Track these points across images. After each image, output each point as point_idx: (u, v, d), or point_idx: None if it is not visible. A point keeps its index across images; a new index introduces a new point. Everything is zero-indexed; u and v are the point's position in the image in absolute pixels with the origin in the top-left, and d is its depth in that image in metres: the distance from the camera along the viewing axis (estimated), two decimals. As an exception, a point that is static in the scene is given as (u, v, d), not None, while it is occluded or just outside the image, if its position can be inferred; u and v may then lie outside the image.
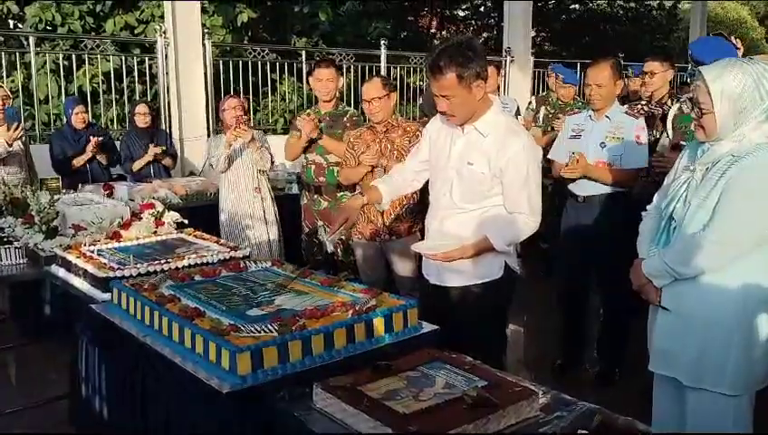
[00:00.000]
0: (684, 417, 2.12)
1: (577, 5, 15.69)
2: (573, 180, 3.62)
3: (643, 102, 4.29)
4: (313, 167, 4.27)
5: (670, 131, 3.41)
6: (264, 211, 4.72)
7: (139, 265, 2.64)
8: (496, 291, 2.55)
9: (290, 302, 2.16)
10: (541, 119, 5.97)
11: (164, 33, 6.55)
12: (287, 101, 8.47)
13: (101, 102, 7.04)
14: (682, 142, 3.17)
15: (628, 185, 3.53)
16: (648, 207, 2.32)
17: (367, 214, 3.73)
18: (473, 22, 15.54)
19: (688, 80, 3.63)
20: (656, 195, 2.29)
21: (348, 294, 2.20)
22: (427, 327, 2.14)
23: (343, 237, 4.14)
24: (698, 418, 2.07)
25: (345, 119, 4.24)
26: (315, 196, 4.30)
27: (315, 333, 1.86)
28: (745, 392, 2.06)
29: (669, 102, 4.09)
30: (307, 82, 5.50)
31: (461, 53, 2.31)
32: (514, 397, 1.58)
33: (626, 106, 3.85)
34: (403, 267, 3.80)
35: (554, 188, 4.92)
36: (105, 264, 2.67)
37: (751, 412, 2.11)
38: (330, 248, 2.59)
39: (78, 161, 5.16)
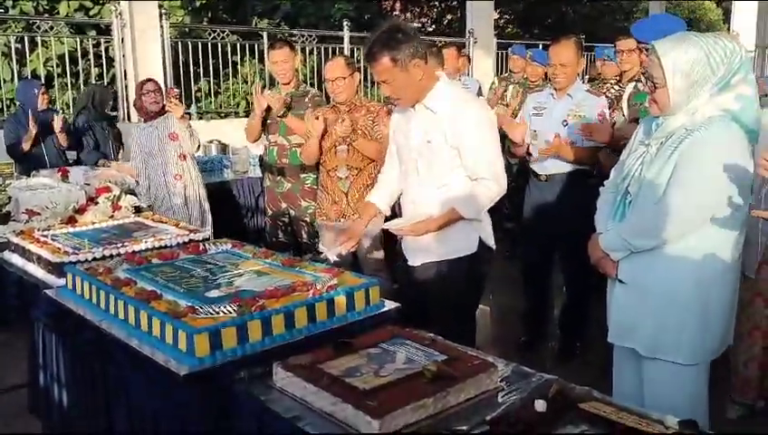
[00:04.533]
0: (642, 387, 2.16)
1: (539, -13, 15.75)
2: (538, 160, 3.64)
3: (612, 82, 4.29)
4: (276, 148, 4.22)
5: (625, 109, 3.45)
6: (185, 198, 4.64)
7: (94, 250, 2.58)
8: (471, 266, 2.59)
9: (250, 283, 2.14)
10: (509, 97, 6.00)
11: (119, 14, 6.38)
12: (249, 83, 8.34)
13: (56, 86, 6.84)
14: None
15: (590, 162, 3.56)
16: (605, 182, 2.34)
17: (331, 195, 3.71)
18: (436, 4, 15.47)
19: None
20: (612, 170, 2.31)
21: (309, 274, 2.19)
22: (390, 305, 2.14)
23: (308, 219, 4.12)
24: (655, 387, 2.11)
25: (307, 99, 4.18)
26: (278, 178, 4.25)
27: (275, 312, 1.84)
28: (701, 362, 2.10)
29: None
30: (271, 63, 5.44)
31: (391, 36, 2.38)
32: (474, 370, 1.59)
33: (588, 85, 3.88)
34: (369, 248, 3.79)
35: (518, 168, 4.95)
36: (59, 248, 2.61)
37: (706, 381, 2.16)
38: (332, 259, 2.63)
39: (27, 144, 4.97)
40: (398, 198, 2.82)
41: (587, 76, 7.03)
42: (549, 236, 3.72)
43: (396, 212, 2.94)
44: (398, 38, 2.38)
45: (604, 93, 3.81)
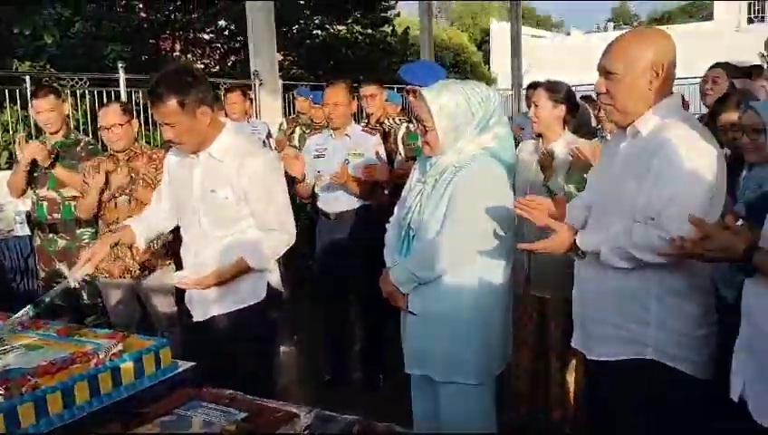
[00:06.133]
0: (439, 411, 2.28)
1: (319, 31, 16.34)
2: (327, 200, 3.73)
3: (363, 123, 4.53)
4: (45, 203, 3.83)
5: (401, 148, 3.69)
6: None
7: None
8: (260, 313, 2.52)
9: (19, 359, 1.89)
10: (296, 139, 6.08)
11: None
12: (11, 132, 7.53)
13: None
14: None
15: (373, 198, 3.73)
16: (390, 218, 2.47)
17: (113, 250, 3.44)
18: (219, 45, 15.33)
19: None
20: (396, 206, 2.45)
21: (90, 342, 1.99)
22: (184, 365, 2.02)
23: (88, 278, 3.78)
24: (450, 409, 2.24)
25: (79, 148, 3.87)
26: (50, 235, 3.86)
27: (51, 391, 1.64)
28: (487, 381, 2.28)
29: (387, 122, 4.37)
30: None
31: (180, 78, 2.29)
32: (276, 423, 1.56)
33: (361, 124, 4.09)
34: (159, 303, 3.58)
35: (309, 208, 5.02)
36: None
37: (493, 397, 2.34)
38: (72, 284, 2.36)
39: None
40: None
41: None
42: (342, 273, 3.81)
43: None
44: (187, 81, 2.28)
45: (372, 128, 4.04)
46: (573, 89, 3.24)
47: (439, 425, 2.22)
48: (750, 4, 23.34)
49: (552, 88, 3.11)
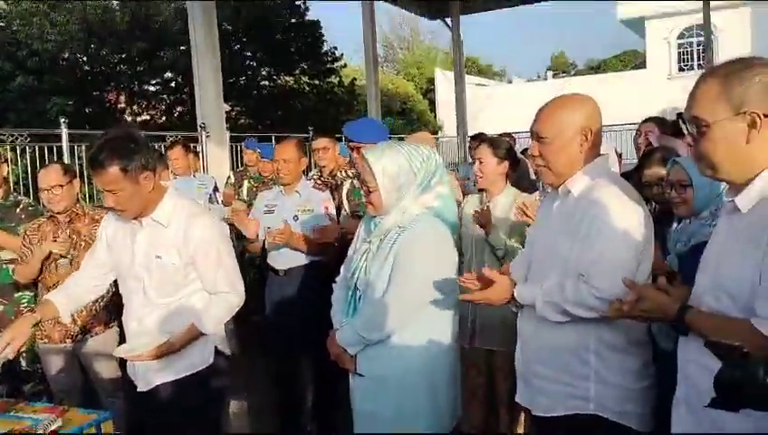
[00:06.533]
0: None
1: (267, 81, 16.48)
2: (272, 253, 3.72)
3: (316, 176, 4.58)
4: (-19, 267, 3.71)
5: (346, 204, 3.74)
6: None
7: None
8: (208, 378, 2.47)
9: (-50, 441, 1.82)
10: (245, 192, 6.06)
11: None
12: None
13: None
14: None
15: (323, 253, 3.73)
16: (336, 278, 2.48)
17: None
18: (165, 97, 15.27)
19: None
20: (342, 266, 2.47)
21: (27, 418, 1.93)
22: (127, 437, 1.98)
23: (25, 345, 3.64)
24: (402, 470, 2.23)
25: (18, 210, 3.77)
26: (-13, 300, 3.73)
27: (-16, 474, 1.59)
28: (439, 437, 2.28)
29: (340, 174, 4.43)
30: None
31: (122, 145, 2.26)
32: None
33: (311, 181, 4.12)
34: (102, 369, 3.47)
35: (258, 263, 4.98)
36: None
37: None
38: None
39: None
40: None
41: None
42: (293, 330, 3.77)
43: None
44: (130, 147, 2.26)
45: (322, 184, 4.08)
46: (517, 136, 3.38)
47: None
48: (679, 53, 24.71)
49: (496, 144, 3.23)
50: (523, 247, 2.63)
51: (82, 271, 2.61)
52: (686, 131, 1.59)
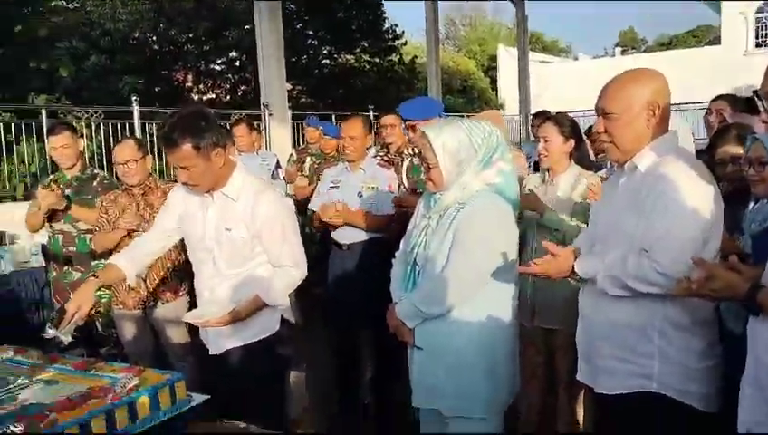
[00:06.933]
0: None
1: (328, 60, 16.58)
2: (335, 228, 3.79)
3: (382, 153, 4.61)
4: (61, 237, 3.92)
5: (405, 181, 3.75)
6: None
7: None
8: (274, 346, 2.58)
9: (38, 395, 1.95)
10: (306, 169, 6.16)
11: None
12: (27, 163, 7.67)
13: None
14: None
15: (383, 230, 3.78)
16: (396, 253, 2.52)
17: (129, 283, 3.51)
18: (229, 76, 15.56)
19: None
20: (402, 241, 2.50)
21: (107, 377, 2.05)
22: (198, 398, 2.07)
23: (102, 309, 3.84)
24: (459, 443, 2.26)
25: (95, 183, 3.97)
26: (65, 267, 3.94)
27: (69, 425, 1.70)
28: (496, 414, 2.31)
29: (407, 151, 4.46)
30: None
31: (194, 123, 2.34)
32: (287, 457, 1.60)
33: (378, 158, 4.15)
34: (173, 335, 3.63)
35: (322, 235, 5.08)
36: None
37: (501, 429, 2.36)
38: (67, 340, 2.37)
39: None
40: None
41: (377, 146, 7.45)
42: (354, 303, 3.84)
43: None
44: (201, 125, 2.34)
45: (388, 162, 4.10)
46: (582, 114, 3.31)
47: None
48: (757, 29, 23.47)
49: (561, 122, 3.17)
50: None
51: (147, 236, 2.73)
52: (761, 108, 1.54)
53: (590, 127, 4.79)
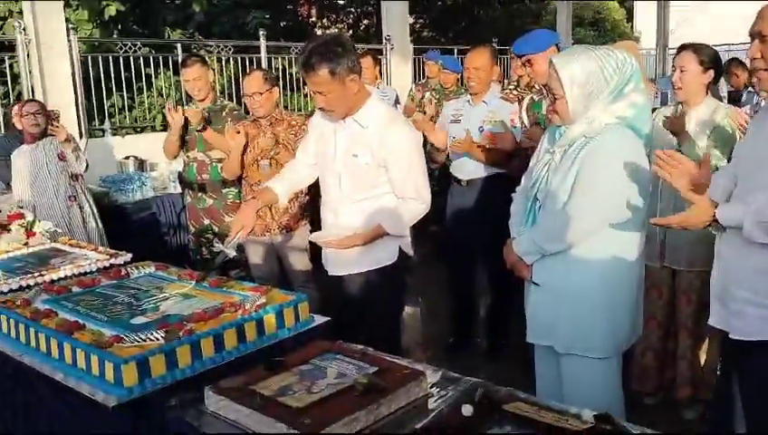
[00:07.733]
0: (561, 383, 2.28)
1: (451, -9, 16.10)
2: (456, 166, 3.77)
3: (512, 87, 4.47)
4: (195, 165, 4.17)
5: (525, 118, 3.63)
6: (83, 222, 4.50)
7: (10, 281, 2.49)
8: (392, 275, 2.64)
9: (176, 307, 2.12)
10: (426, 103, 6.11)
11: (24, 29, 6.11)
12: (165, 96, 8.15)
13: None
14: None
15: (504, 166, 3.70)
16: (517, 188, 2.46)
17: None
18: (352, 10, 15.55)
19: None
20: (523, 177, 2.43)
21: (237, 294, 2.19)
22: (319, 319, 2.18)
23: (242, 241, 4.08)
24: (573, 382, 2.23)
25: (225, 113, 4.16)
26: (199, 193, 4.21)
27: (204, 336, 1.84)
28: (613, 355, 2.24)
29: (537, 86, 4.28)
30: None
31: (330, 49, 2.37)
32: (403, 380, 1.65)
33: (501, 91, 4.03)
34: (295, 261, 3.81)
35: (440, 172, 5.07)
36: (-29, 282, 2.50)
37: (619, 372, 2.30)
38: (232, 254, 2.55)
39: None
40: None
41: (506, 80, 7.23)
42: (471, 239, 3.84)
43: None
44: (337, 51, 2.37)
45: (512, 97, 3.97)
46: (727, 48, 3.05)
47: (562, 396, 2.22)
48: None
49: (701, 51, 2.92)
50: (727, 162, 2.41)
51: (297, 160, 2.83)
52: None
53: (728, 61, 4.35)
